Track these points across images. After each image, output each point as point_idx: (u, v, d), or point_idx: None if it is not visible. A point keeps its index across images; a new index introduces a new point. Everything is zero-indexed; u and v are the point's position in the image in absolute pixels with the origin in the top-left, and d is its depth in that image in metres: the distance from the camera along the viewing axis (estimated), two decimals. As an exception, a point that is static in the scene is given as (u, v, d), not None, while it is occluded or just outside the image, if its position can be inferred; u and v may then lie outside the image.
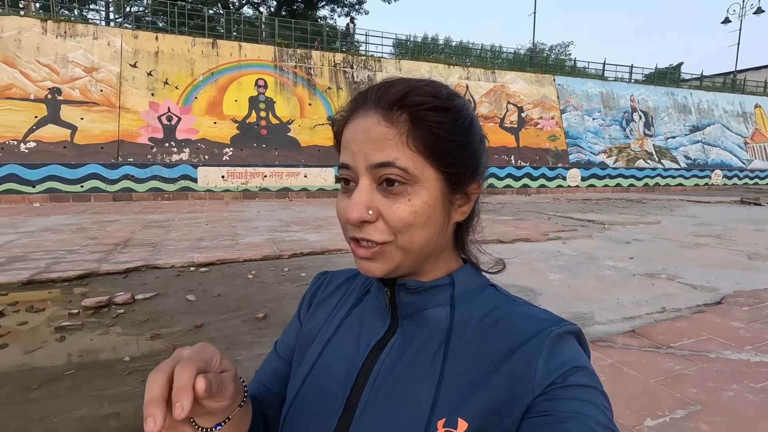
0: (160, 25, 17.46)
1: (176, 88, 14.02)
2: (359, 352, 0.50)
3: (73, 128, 12.71)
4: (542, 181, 18.57)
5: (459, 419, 0.42)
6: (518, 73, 19.29)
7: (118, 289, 4.31)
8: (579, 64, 23.42)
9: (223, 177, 13.88)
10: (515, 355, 0.44)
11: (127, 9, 18.74)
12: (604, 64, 22.16)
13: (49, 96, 12.65)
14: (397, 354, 0.48)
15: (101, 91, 13.21)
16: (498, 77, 18.80)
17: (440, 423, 0.42)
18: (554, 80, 19.90)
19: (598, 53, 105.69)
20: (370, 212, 0.44)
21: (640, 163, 20.74)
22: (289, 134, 15.02)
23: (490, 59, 22.40)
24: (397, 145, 0.43)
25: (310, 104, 15.47)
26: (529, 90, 19.13)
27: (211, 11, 26.25)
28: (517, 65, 20.70)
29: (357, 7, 31.15)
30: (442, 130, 0.44)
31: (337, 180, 0.48)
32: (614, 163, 20.16)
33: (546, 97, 19.39)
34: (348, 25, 17.38)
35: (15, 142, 12.13)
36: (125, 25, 16.12)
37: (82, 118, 12.85)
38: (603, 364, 2.72)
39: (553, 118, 19.32)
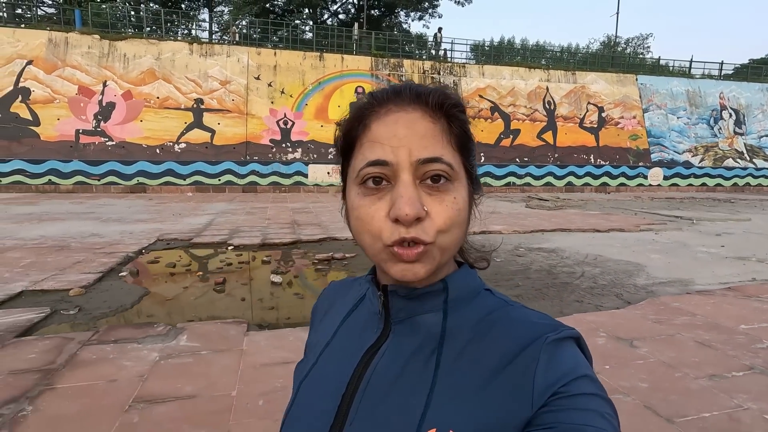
0: (255, 36, 19.82)
1: (290, 96, 16.33)
2: (351, 358, 0.49)
3: (212, 132, 15.40)
4: (622, 179, 18.86)
5: (450, 431, 0.41)
6: (599, 74, 19.67)
7: (325, 251, 6.13)
8: (663, 62, 23.08)
9: (328, 173, 16.00)
10: (511, 365, 0.43)
11: (240, 26, 21.62)
12: (691, 61, 21.72)
13: (195, 105, 15.44)
14: (389, 360, 0.47)
15: (233, 100, 15.81)
16: (578, 78, 19.33)
17: None
18: (636, 80, 19.99)
19: (680, 45, 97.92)
20: (426, 208, 0.42)
21: (729, 162, 20.20)
22: (383, 135, 16.84)
23: (566, 59, 22.80)
24: (441, 141, 0.44)
25: (401, 108, 17.17)
26: (610, 90, 19.45)
27: (297, 21, 29.00)
28: (598, 65, 20.97)
29: (431, 11, 32.55)
30: (468, 131, 0.46)
31: (362, 180, 0.45)
32: (700, 163, 19.86)
33: (627, 97, 19.58)
34: (435, 34, 18.84)
35: (171, 144, 15.00)
36: (224, 39, 18.77)
37: (218, 123, 15.50)
38: (706, 302, 3.97)
39: (634, 117, 19.48)
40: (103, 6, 19.63)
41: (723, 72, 22.01)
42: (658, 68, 22.85)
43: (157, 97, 15.18)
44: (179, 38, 16.67)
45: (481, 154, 17.59)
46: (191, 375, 2.52)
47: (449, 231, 0.44)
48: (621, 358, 2.82)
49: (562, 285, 4.73)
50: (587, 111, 19.04)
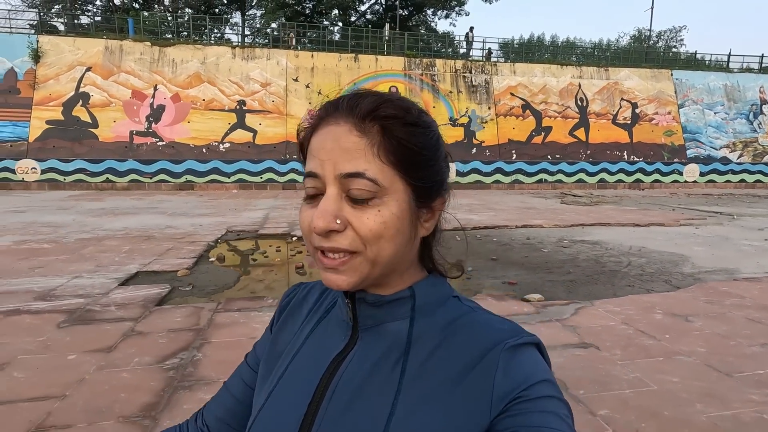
0: (285, 39, 20.29)
1: (327, 97, 16.15)
2: (319, 366, 0.49)
3: (254, 132, 16.17)
4: (656, 176, 18.70)
5: None
6: (633, 70, 19.51)
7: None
8: (699, 56, 22.63)
9: (363, 171, 16.52)
10: (473, 373, 0.44)
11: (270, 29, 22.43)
12: (729, 54, 21.25)
13: (237, 107, 16.23)
14: (355, 368, 0.47)
15: (273, 101, 16.54)
16: (611, 74, 19.24)
17: None
18: (671, 75, 19.73)
19: (717, 37, 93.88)
20: (338, 221, 0.43)
21: (770, 158, 19.71)
22: (416, 134, 17.27)
23: (598, 55, 22.61)
24: (368, 155, 0.43)
25: (434, 107, 17.53)
26: (644, 86, 19.28)
27: (326, 22, 29.68)
28: (631, 61, 20.78)
29: (458, 9, 32.67)
30: (413, 144, 0.45)
31: (305, 188, 0.47)
32: (738, 159, 19.46)
33: (662, 93, 19.37)
34: (467, 34, 19.12)
35: (216, 144, 15.85)
36: (256, 41, 19.56)
37: (260, 124, 16.26)
38: (754, 287, 4.27)
39: (669, 113, 19.26)
40: (146, 13, 20.75)
41: (763, 65, 21.42)
42: (694, 63, 22.42)
43: (203, 99, 16.04)
44: (222, 43, 17.53)
45: (513, 151, 17.79)
46: (313, 335, 3.05)
47: (374, 244, 0.44)
48: (678, 330, 3.19)
49: (611, 272, 5.08)
50: (620, 107, 18.94)
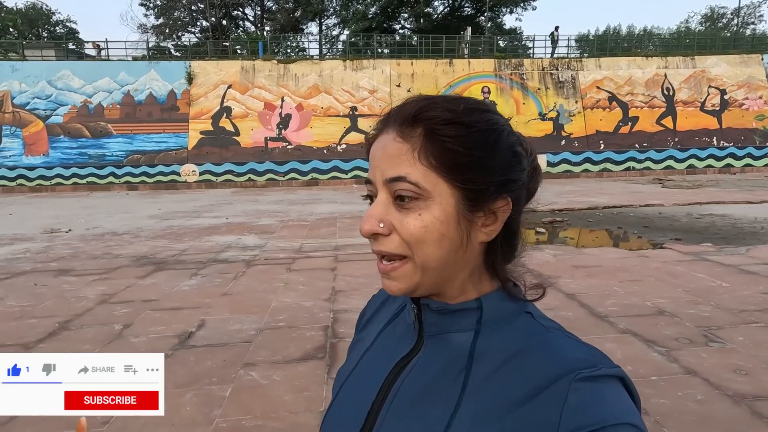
0: (360, 45, 22.36)
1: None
2: (384, 367, 0.51)
3: (366, 134, 18.35)
4: (747, 160, 19.05)
5: None
6: (720, 57, 19.88)
7: (547, 217, 8.44)
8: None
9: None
10: (536, 400, 0.40)
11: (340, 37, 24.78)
12: (825, 34, 20.86)
13: (350, 112, 18.63)
14: (417, 374, 0.48)
15: (380, 106, 18.75)
16: (698, 63, 19.73)
17: None
18: (762, 59, 19.86)
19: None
20: (382, 225, 0.45)
21: None
22: (507, 129, 18.88)
23: (680, 44, 22.86)
24: (410, 160, 0.44)
25: (524, 103, 19.03)
26: (732, 72, 19.61)
27: (397, 26, 31.58)
28: (718, 48, 21.05)
29: (523, 4, 33.54)
30: (457, 145, 0.44)
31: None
32: (837, 140, 19.28)
33: (752, 78, 19.59)
34: (552, 33, 20.37)
35: (334, 145, 18.34)
36: (335, 51, 21.86)
37: (370, 126, 18.20)
38: None
39: (760, 97, 19.46)
40: (253, 33, 23.64)
41: None
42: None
43: (322, 107, 18.58)
44: (338, 57, 20.02)
45: (600, 141, 18.89)
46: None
47: (418, 248, 0.44)
48: (829, 258, 4.80)
49: (752, 233, 6.61)
50: (708, 94, 19.42)
